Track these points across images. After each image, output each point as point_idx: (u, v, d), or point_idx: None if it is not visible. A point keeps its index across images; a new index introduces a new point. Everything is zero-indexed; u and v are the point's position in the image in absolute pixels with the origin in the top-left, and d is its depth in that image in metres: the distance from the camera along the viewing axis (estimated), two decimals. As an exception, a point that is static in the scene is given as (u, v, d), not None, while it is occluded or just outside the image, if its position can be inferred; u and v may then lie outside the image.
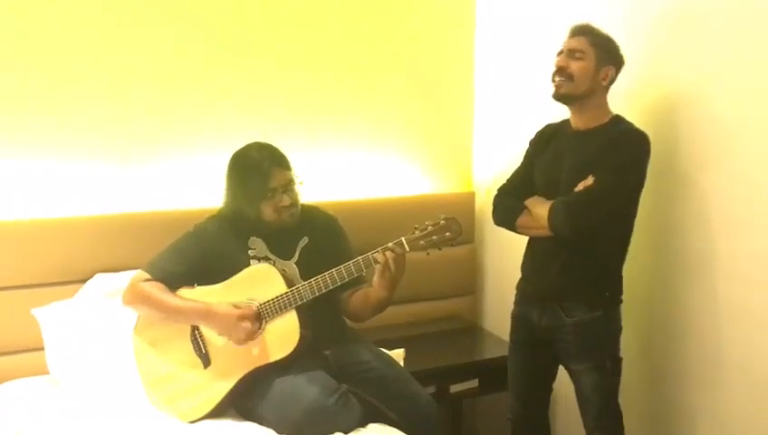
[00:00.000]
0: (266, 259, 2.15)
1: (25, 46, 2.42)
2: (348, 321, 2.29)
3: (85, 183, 2.55)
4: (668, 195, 2.18)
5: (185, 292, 2.14)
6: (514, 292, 2.29)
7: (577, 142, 2.09)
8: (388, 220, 2.51)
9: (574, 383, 2.17)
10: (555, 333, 2.13)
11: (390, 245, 2.01)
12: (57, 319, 2.33)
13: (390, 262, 2.00)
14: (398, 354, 2.40)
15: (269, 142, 2.18)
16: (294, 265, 2.18)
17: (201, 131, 2.69)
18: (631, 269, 2.14)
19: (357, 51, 2.91)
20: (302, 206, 2.20)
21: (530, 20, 2.80)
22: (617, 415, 2.14)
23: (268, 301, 2.05)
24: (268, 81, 2.78)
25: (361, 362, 2.14)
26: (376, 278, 2.05)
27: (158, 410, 2.10)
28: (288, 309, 2.04)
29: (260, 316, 2.06)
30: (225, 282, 2.12)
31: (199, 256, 2.15)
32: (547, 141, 2.20)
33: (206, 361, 2.10)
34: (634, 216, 2.07)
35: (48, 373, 2.31)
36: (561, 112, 2.18)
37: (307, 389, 1.97)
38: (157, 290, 2.10)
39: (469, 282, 3.14)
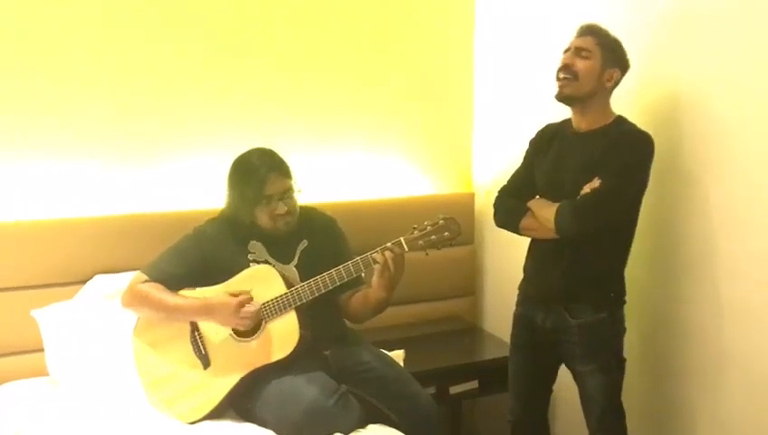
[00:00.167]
0: (266, 263, 2.15)
1: (25, 46, 2.42)
2: (348, 322, 2.29)
3: (85, 184, 2.55)
4: (670, 195, 2.17)
5: (184, 293, 2.13)
6: (514, 293, 2.29)
7: (580, 143, 2.08)
8: (387, 221, 2.51)
9: (578, 384, 2.16)
10: (560, 334, 2.12)
11: (389, 245, 2.02)
12: (57, 320, 2.33)
13: (389, 262, 2.00)
14: (397, 355, 2.39)
15: (271, 148, 2.17)
16: (294, 269, 2.18)
17: (201, 132, 2.69)
18: (633, 269, 2.14)
19: (357, 51, 2.91)
20: (301, 208, 2.20)
21: (530, 20, 2.80)
22: (620, 415, 2.14)
23: (268, 301, 2.05)
24: (268, 81, 2.78)
25: (361, 362, 2.14)
26: (375, 278, 2.05)
27: (158, 411, 2.09)
28: (288, 309, 2.04)
29: (259, 324, 2.06)
30: (225, 283, 2.12)
31: (199, 258, 2.15)
32: (548, 142, 2.20)
33: (206, 361, 2.09)
34: (637, 216, 2.07)
35: (48, 375, 2.31)
36: (561, 112, 2.17)
37: (306, 389, 1.97)
38: (155, 290, 2.09)
39: (469, 283, 3.14)
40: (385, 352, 2.30)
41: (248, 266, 2.13)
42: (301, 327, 2.03)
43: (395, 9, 2.97)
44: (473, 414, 3.11)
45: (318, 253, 2.21)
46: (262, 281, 2.08)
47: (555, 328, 2.12)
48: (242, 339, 2.07)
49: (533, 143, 2.26)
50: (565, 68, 2.04)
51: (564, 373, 2.22)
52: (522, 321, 2.25)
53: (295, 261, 2.19)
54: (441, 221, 2.03)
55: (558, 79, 2.06)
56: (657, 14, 2.19)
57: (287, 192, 2.13)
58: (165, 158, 2.65)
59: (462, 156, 3.19)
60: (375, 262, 2.02)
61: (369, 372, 2.12)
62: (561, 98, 2.07)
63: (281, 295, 2.04)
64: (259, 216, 2.13)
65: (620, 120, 2.07)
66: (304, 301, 2.04)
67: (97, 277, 2.44)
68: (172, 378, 2.11)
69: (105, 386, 2.20)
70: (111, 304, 2.28)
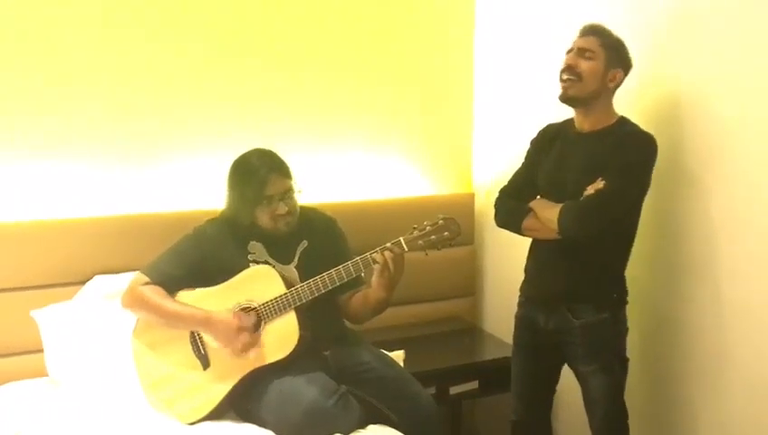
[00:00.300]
0: (266, 263, 2.15)
1: (25, 46, 2.42)
2: (347, 322, 2.29)
3: (85, 184, 2.55)
4: (671, 195, 2.17)
5: (184, 294, 2.13)
6: (515, 293, 2.28)
7: (582, 144, 2.08)
8: (387, 222, 2.50)
9: (581, 385, 2.16)
10: (562, 335, 2.12)
11: (389, 245, 2.02)
12: (56, 321, 2.32)
13: (389, 262, 2.00)
14: (397, 356, 2.39)
15: (271, 149, 2.17)
16: (294, 269, 2.18)
17: (201, 132, 2.69)
18: (634, 269, 2.13)
19: (357, 51, 2.91)
20: (301, 208, 2.19)
21: (529, 20, 2.80)
22: (623, 415, 2.13)
23: (267, 302, 2.05)
24: (268, 81, 2.78)
25: (361, 362, 2.14)
26: (375, 278, 2.05)
27: (158, 411, 2.09)
28: (287, 310, 2.04)
29: (259, 324, 2.06)
30: (225, 283, 2.12)
31: (198, 259, 2.15)
32: (550, 142, 2.19)
33: (206, 362, 2.09)
34: (638, 217, 2.07)
35: (48, 375, 2.31)
36: (561, 112, 2.17)
37: (306, 390, 1.97)
38: (155, 295, 2.09)
39: (469, 283, 3.14)
40: (385, 352, 2.30)
41: (248, 267, 2.12)
42: (300, 328, 2.02)
43: (395, 9, 2.97)
44: (473, 415, 3.11)
45: (318, 253, 2.20)
46: (261, 281, 2.08)
47: (558, 329, 2.12)
48: (242, 339, 2.07)
49: (535, 143, 2.26)
50: (569, 69, 2.03)
51: (568, 374, 2.22)
52: (524, 322, 2.25)
53: (295, 261, 2.19)
54: (441, 221, 2.03)
55: (561, 80, 2.05)
56: (658, 14, 2.19)
57: (287, 192, 2.13)
58: (165, 158, 2.65)
59: (462, 156, 3.18)
60: (375, 262, 2.02)
61: (369, 373, 2.12)
62: (565, 99, 2.06)
63: (280, 296, 2.04)
64: (259, 216, 2.13)
65: (623, 121, 2.06)
66: (304, 301, 2.04)
67: (97, 278, 2.43)
68: (172, 378, 2.11)
69: (105, 386, 2.19)
70: (111, 305, 2.28)
